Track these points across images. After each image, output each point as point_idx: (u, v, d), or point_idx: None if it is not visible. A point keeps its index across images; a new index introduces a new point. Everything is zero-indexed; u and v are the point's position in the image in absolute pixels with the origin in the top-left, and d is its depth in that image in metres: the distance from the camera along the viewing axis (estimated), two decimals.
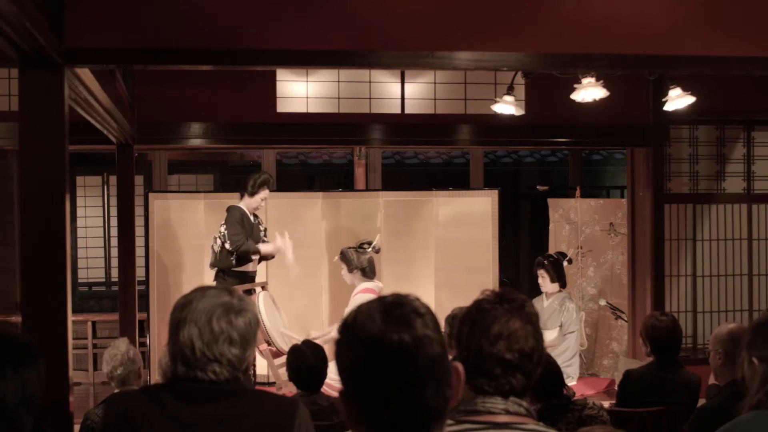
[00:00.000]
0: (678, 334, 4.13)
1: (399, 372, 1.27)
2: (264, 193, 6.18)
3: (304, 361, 3.79)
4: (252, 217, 6.24)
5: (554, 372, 3.48)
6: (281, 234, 6.26)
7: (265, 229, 6.41)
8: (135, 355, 3.98)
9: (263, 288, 6.21)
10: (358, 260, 6.13)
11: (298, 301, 6.71)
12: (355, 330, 1.30)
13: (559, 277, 6.61)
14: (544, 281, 6.63)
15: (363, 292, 5.98)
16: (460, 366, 1.36)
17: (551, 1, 4.00)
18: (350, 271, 6.14)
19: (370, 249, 6.18)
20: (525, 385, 1.73)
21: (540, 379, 2.87)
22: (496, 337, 1.71)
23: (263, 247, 6.16)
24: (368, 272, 6.13)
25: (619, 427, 3.45)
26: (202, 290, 1.99)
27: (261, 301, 5.96)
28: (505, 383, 1.71)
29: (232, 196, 6.36)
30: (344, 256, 6.18)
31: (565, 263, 6.75)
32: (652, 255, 6.48)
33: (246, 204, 6.16)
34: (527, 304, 1.78)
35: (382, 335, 1.27)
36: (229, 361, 1.93)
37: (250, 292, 6.09)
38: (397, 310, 1.30)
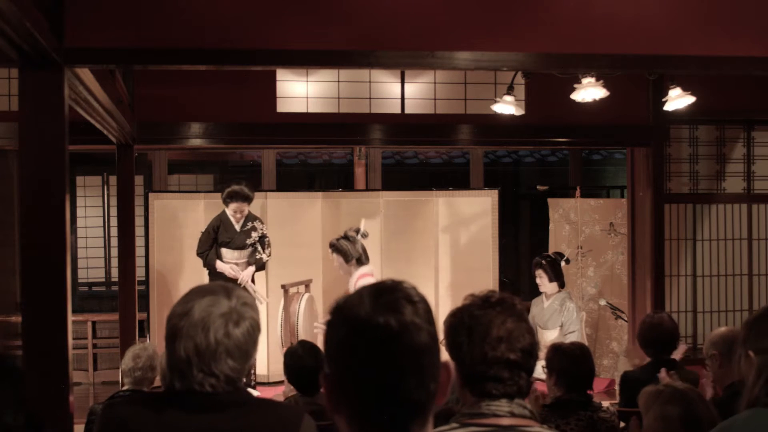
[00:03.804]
0: (665, 330, 4.09)
1: (380, 356, 1.23)
2: (233, 206, 6.14)
3: (301, 363, 3.77)
4: (238, 225, 6.21)
5: (593, 366, 3.65)
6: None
7: (261, 237, 6.31)
8: (157, 364, 4.09)
9: (306, 288, 6.15)
10: (354, 250, 6.07)
11: None
12: (344, 312, 1.28)
13: (557, 276, 6.60)
14: (543, 281, 6.62)
15: (363, 278, 5.91)
16: (451, 363, 1.34)
17: (551, 1, 3.99)
18: (347, 261, 6.06)
19: (359, 236, 6.13)
20: (527, 382, 1.76)
21: (584, 372, 3.09)
22: (497, 341, 1.73)
23: (219, 265, 6.19)
24: (363, 259, 6.08)
25: (620, 427, 3.45)
26: (200, 294, 1.89)
27: (303, 305, 5.94)
28: (513, 384, 1.73)
29: None
30: (338, 249, 6.08)
31: (562, 263, 6.74)
32: (652, 255, 6.47)
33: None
34: (515, 301, 1.80)
35: (369, 317, 1.24)
36: (226, 376, 1.86)
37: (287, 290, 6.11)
38: (389, 295, 1.27)
